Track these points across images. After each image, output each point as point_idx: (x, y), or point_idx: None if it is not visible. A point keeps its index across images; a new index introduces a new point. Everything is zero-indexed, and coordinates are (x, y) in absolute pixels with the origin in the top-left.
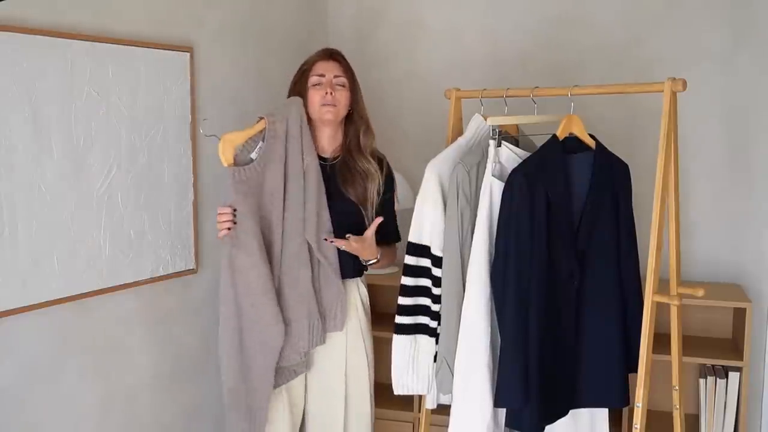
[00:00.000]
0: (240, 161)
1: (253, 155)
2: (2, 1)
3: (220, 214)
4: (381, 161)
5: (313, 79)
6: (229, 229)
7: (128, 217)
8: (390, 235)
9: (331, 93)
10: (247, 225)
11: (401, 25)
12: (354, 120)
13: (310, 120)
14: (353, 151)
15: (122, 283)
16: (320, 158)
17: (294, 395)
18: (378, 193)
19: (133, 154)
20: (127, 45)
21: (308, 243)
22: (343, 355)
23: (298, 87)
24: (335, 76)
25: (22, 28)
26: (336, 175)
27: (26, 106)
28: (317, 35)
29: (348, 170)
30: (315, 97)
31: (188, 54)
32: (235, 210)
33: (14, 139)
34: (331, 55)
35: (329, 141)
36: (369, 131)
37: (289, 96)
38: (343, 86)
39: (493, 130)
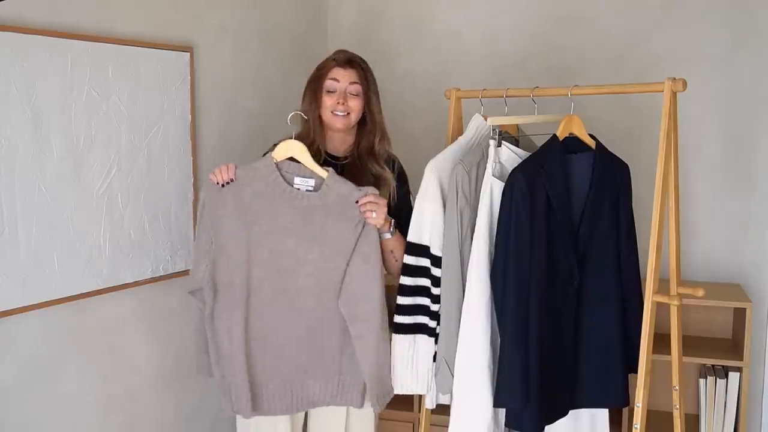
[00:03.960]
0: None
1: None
2: (2, 1)
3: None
4: (393, 162)
5: (327, 84)
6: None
7: (128, 217)
8: (404, 230)
9: (343, 102)
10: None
11: (401, 25)
12: (368, 126)
13: (321, 121)
14: (365, 156)
15: (122, 283)
16: (331, 157)
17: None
18: (393, 198)
19: (133, 154)
20: (127, 45)
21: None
22: None
23: (313, 88)
24: (351, 83)
25: (22, 28)
26: (346, 176)
27: (26, 106)
28: (317, 35)
29: (360, 173)
30: (327, 103)
31: (188, 54)
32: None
33: (14, 139)
34: (349, 61)
35: (340, 141)
36: (384, 138)
37: (304, 95)
38: (357, 94)
39: (493, 130)
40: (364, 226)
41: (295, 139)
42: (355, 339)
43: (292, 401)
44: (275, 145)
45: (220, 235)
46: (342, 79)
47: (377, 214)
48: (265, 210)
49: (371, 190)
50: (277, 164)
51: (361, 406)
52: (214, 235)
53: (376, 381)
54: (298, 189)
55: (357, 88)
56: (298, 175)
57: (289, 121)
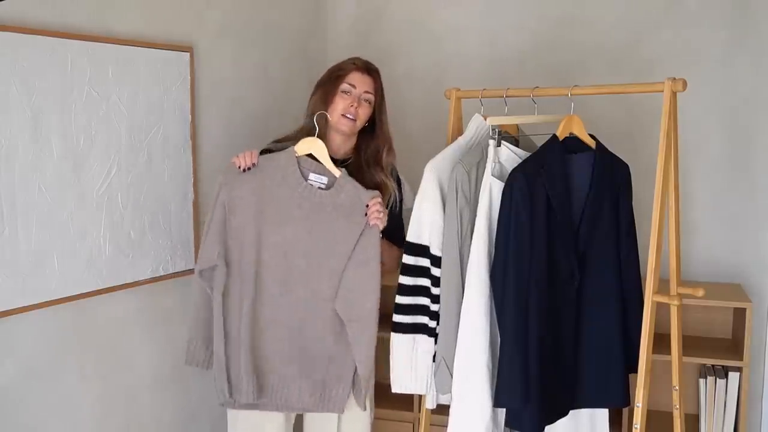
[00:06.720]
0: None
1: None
2: (2, 1)
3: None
4: (392, 169)
5: (343, 86)
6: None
7: (128, 217)
8: (394, 238)
9: (356, 107)
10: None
11: (401, 24)
12: (377, 134)
13: (327, 121)
14: (371, 163)
15: (122, 283)
16: (331, 159)
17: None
18: (392, 208)
19: (133, 154)
20: (127, 45)
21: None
22: None
23: (327, 87)
24: (365, 92)
25: (22, 28)
26: None
27: (26, 106)
28: (317, 35)
29: (361, 177)
30: (339, 104)
31: (188, 54)
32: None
33: (14, 139)
34: (368, 69)
35: (342, 143)
36: (391, 151)
37: (313, 93)
38: (369, 103)
39: (492, 130)
40: (365, 228)
41: (298, 135)
42: (352, 339)
43: (280, 400)
44: (275, 142)
45: (233, 217)
46: (359, 86)
47: (382, 219)
48: (278, 199)
49: (377, 193)
50: (297, 158)
51: (342, 412)
52: (228, 215)
53: (368, 381)
54: (312, 185)
55: (370, 97)
56: (313, 172)
57: (315, 121)
